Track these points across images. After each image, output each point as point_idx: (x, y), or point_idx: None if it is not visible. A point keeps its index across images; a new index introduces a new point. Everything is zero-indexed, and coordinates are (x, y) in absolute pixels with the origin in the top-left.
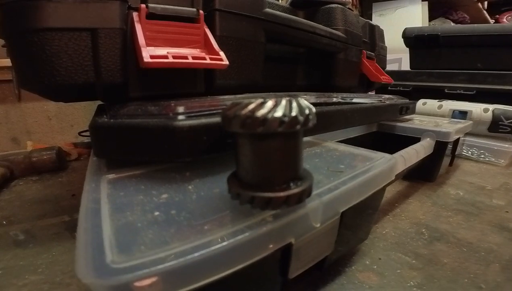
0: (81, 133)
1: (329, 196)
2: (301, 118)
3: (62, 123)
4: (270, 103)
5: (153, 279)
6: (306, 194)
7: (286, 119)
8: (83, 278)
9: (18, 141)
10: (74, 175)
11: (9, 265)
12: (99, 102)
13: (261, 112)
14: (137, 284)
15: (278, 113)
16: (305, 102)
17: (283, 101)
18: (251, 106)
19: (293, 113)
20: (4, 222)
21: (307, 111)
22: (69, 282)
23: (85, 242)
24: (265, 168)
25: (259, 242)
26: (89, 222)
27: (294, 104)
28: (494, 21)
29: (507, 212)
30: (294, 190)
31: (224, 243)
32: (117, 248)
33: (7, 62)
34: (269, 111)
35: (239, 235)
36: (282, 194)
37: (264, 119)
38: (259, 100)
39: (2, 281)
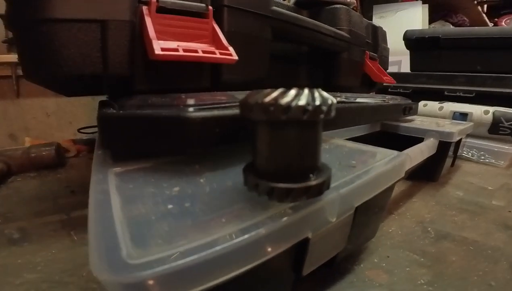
0: (81, 130)
1: (346, 189)
2: (324, 108)
3: (61, 120)
4: (293, 92)
5: (175, 275)
6: (326, 186)
7: (310, 108)
8: (98, 274)
9: (16, 137)
10: (73, 171)
11: (5, 263)
12: (99, 100)
13: (285, 100)
14: (156, 281)
15: (302, 101)
16: (326, 94)
17: (306, 91)
18: (274, 94)
19: (317, 103)
20: (0, 220)
21: (329, 102)
22: (68, 281)
23: (97, 234)
24: (286, 157)
25: (278, 236)
26: (100, 213)
27: (317, 94)
28: (493, 24)
29: (509, 211)
30: (314, 182)
31: (246, 236)
32: (132, 242)
33: (6, 58)
34: (293, 100)
35: (259, 228)
36: (302, 185)
37: (288, 107)
38: (281, 89)
39: None
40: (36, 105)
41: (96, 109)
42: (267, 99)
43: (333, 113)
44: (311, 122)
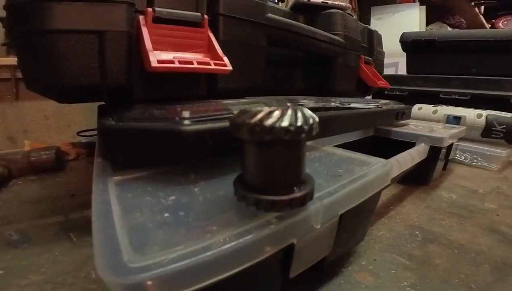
0: (80, 133)
1: (329, 199)
2: (305, 127)
3: (60, 122)
4: (277, 113)
5: (168, 278)
6: (308, 197)
7: (292, 128)
8: (104, 276)
9: (15, 140)
10: (72, 175)
11: (10, 265)
12: (97, 104)
13: (269, 121)
14: (152, 282)
15: (285, 123)
16: (309, 112)
17: (289, 111)
18: (259, 115)
19: (299, 123)
20: (2, 223)
21: (311, 121)
22: (71, 282)
23: (101, 242)
24: (271, 172)
25: (264, 242)
26: (103, 222)
27: (299, 114)
28: (490, 25)
29: (497, 215)
30: (297, 194)
31: (233, 243)
32: (132, 248)
33: (5, 60)
34: (277, 121)
35: (246, 236)
36: (286, 197)
37: (272, 128)
38: (267, 110)
39: (4, 281)
40: (35, 108)
41: (95, 111)
42: (253, 120)
43: (315, 132)
44: (293, 141)
